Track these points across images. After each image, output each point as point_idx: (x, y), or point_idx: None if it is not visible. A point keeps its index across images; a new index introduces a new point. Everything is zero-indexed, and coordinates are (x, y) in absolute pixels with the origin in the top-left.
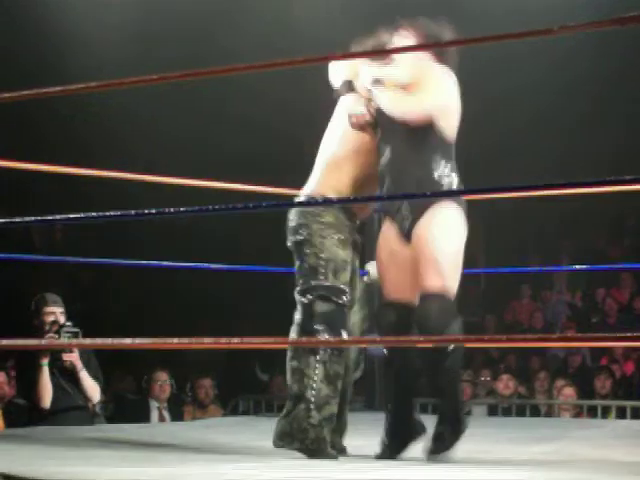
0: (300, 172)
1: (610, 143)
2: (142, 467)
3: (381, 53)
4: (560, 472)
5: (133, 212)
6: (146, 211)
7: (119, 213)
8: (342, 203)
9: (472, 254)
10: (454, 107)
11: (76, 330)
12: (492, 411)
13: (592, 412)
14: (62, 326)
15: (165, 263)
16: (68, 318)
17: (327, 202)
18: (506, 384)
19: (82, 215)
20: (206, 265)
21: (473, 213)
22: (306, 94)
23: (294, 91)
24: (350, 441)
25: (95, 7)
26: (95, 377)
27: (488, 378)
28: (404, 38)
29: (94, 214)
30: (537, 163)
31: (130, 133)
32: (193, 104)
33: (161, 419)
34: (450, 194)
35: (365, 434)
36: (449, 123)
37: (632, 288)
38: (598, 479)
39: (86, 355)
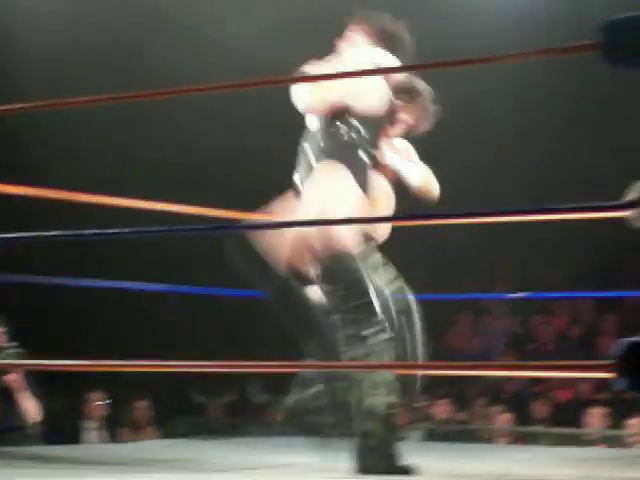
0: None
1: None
2: None
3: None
4: None
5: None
6: (95, 231)
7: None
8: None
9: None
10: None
11: (18, 350)
12: (428, 437)
13: (528, 439)
14: (2, 348)
15: (92, 283)
16: (11, 338)
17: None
18: (443, 409)
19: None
20: (141, 286)
21: (415, 240)
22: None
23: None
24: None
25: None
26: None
27: (426, 403)
28: (354, 34)
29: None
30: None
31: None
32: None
33: (96, 440)
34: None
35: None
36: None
37: (569, 316)
38: None
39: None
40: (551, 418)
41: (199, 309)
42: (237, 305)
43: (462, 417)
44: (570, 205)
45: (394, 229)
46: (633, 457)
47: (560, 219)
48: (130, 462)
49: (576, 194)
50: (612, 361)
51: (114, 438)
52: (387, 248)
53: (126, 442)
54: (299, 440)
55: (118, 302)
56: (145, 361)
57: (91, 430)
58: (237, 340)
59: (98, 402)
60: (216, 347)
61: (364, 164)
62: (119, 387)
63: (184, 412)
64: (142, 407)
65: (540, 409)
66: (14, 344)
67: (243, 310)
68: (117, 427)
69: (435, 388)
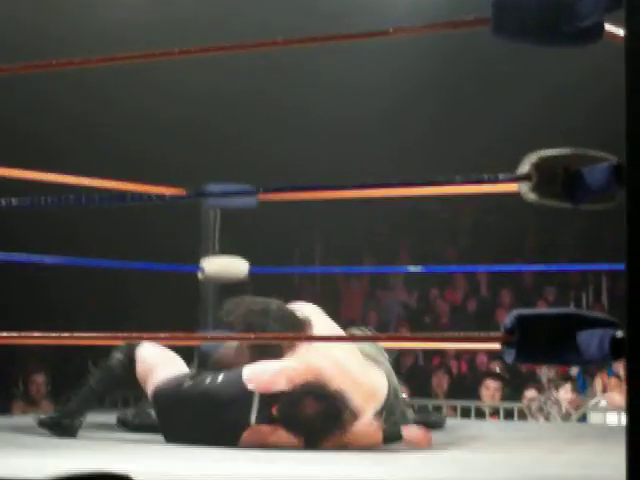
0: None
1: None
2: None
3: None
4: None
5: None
6: None
7: None
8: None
9: (308, 254)
10: None
11: None
12: None
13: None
14: None
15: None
16: None
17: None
18: None
19: None
20: (40, 258)
21: (306, 214)
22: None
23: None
24: None
25: None
26: None
27: None
28: None
29: None
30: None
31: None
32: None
33: None
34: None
35: None
36: None
37: (465, 289)
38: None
39: None
40: (449, 391)
41: (97, 282)
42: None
43: None
44: (464, 178)
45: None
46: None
47: (454, 192)
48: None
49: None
50: (501, 333)
51: (6, 411)
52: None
53: (17, 415)
54: None
55: (16, 274)
56: (39, 332)
57: None
58: (134, 312)
59: (39, 383)
60: (112, 319)
61: None
62: (16, 360)
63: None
64: (39, 382)
65: (438, 382)
66: None
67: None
68: (11, 400)
69: None
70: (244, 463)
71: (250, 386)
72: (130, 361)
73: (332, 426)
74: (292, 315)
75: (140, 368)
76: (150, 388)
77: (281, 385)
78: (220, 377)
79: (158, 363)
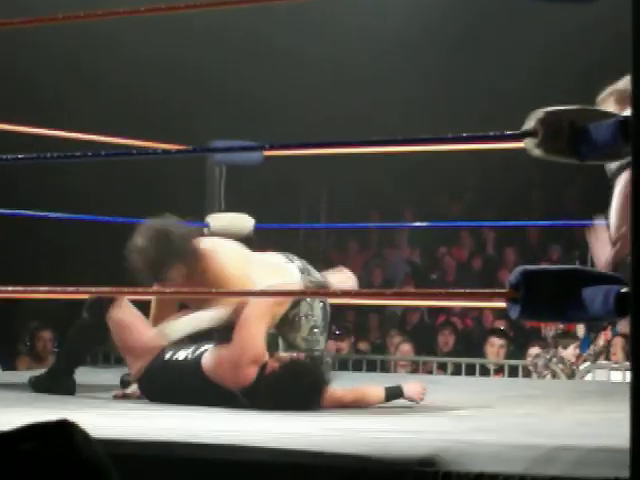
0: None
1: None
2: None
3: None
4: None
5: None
6: None
7: None
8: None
9: (313, 210)
10: None
11: None
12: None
13: (428, 368)
14: None
15: None
16: None
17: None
18: (339, 345)
19: None
20: (45, 214)
21: (311, 170)
22: None
23: None
24: None
25: None
26: None
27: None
28: None
29: None
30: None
31: None
32: None
33: None
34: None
35: None
36: None
37: (471, 247)
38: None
39: None
40: (454, 348)
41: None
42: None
43: (363, 347)
44: (470, 135)
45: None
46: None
47: (460, 149)
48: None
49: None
50: (507, 290)
51: (10, 367)
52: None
53: (22, 371)
54: None
55: (24, 229)
56: (44, 286)
57: None
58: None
59: (46, 339)
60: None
61: None
62: (22, 316)
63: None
64: (45, 338)
65: (444, 339)
66: None
67: None
68: (16, 356)
69: (336, 319)
70: (243, 419)
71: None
72: (98, 318)
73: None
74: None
75: (116, 332)
76: (133, 367)
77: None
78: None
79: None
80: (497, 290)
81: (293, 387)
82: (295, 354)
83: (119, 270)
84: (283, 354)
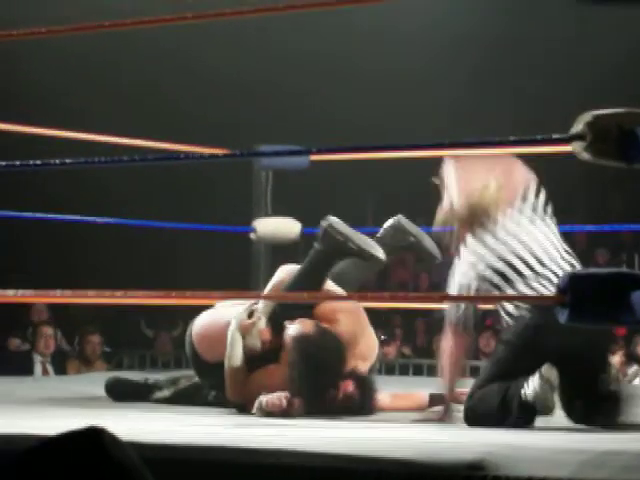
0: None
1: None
2: (28, 419)
3: None
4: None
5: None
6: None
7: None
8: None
9: (361, 214)
10: None
11: None
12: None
13: (475, 373)
14: None
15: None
16: None
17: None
18: (386, 350)
19: None
20: (93, 219)
21: (358, 175)
22: None
23: None
24: None
25: None
26: None
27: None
28: None
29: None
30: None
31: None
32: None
33: (44, 373)
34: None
35: None
36: None
37: None
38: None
39: None
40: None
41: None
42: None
43: (408, 352)
44: (517, 138)
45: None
46: None
47: (506, 153)
48: (78, 396)
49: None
50: (555, 294)
51: (61, 371)
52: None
53: (73, 375)
54: None
55: (70, 235)
56: (94, 291)
57: (39, 363)
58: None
59: (48, 335)
60: (164, 282)
61: None
62: (70, 320)
63: (132, 345)
64: (95, 342)
65: (486, 342)
66: None
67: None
68: (66, 360)
69: (383, 324)
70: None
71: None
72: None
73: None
74: None
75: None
76: None
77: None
78: None
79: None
80: (545, 294)
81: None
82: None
83: (164, 274)
84: None
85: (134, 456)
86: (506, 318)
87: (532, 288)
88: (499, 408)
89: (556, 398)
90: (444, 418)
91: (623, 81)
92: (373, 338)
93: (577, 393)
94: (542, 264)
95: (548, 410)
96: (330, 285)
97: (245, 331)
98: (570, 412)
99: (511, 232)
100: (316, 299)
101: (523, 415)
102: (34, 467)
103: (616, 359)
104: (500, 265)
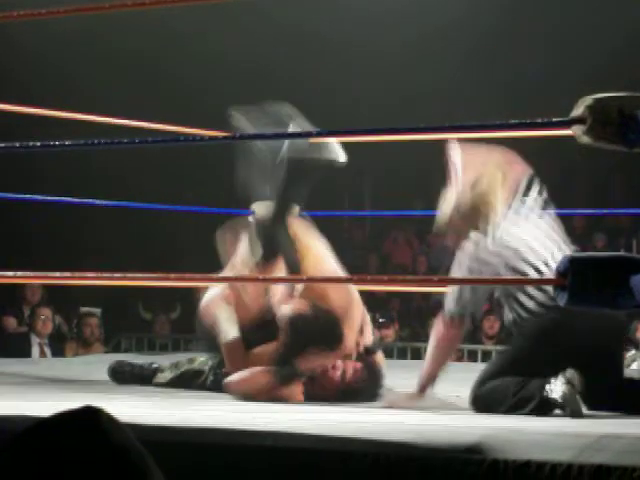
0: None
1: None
2: (26, 400)
3: None
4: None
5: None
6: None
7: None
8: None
9: (359, 197)
10: None
11: None
12: None
13: (473, 356)
14: None
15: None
16: None
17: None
18: (384, 333)
19: None
20: (90, 201)
21: (358, 158)
22: None
23: None
24: None
25: None
26: None
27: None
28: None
29: None
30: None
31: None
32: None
33: (42, 354)
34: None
35: None
36: None
37: None
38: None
39: None
40: (498, 336)
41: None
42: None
43: (405, 334)
44: (516, 122)
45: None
46: None
47: (505, 136)
48: (75, 377)
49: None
50: (555, 276)
51: (59, 353)
52: None
53: (71, 357)
54: None
55: (67, 216)
56: (92, 273)
57: (37, 345)
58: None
59: (46, 317)
60: (162, 262)
61: None
62: (70, 302)
63: (130, 328)
64: (92, 324)
65: (490, 326)
66: None
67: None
68: (64, 342)
69: (382, 306)
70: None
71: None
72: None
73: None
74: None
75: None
76: None
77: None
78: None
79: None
80: (544, 277)
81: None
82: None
83: (164, 257)
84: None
85: (131, 436)
86: (523, 314)
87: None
88: (514, 403)
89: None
90: (413, 405)
91: (623, 65)
92: (364, 311)
93: (594, 389)
94: (546, 264)
95: (577, 414)
96: (327, 261)
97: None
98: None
99: (512, 231)
100: (316, 281)
101: (541, 414)
102: (31, 447)
103: None
104: (503, 271)
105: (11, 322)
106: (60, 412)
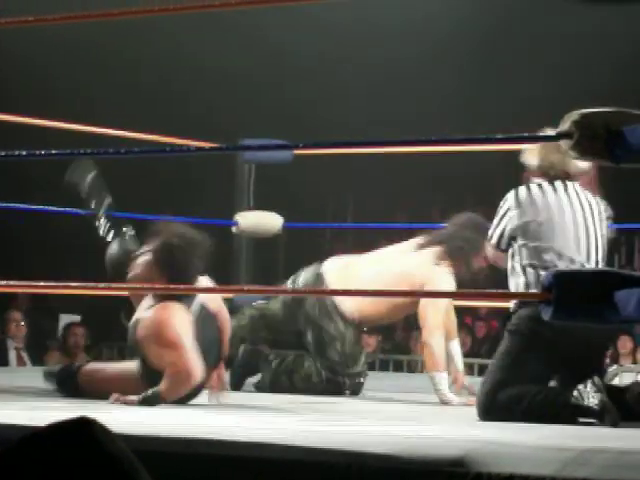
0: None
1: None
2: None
3: None
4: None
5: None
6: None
7: None
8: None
9: (341, 211)
10: None
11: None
12: None
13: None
14: None
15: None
16: None
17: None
18: (367, 342)
19: None
20: (74, 210)
21: (343, 170)
22: None
23: None
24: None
25: None
26: None
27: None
28: None
29: None
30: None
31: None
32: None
33: (20, 361)
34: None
35: None
36: None
37: None
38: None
39: None
40: (474, 350)
41: None
42: None
43: (387, 347)
44: (504, 136)
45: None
46: None
47: (493, 149)
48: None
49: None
50: (541, 291)
51: (39, 361)
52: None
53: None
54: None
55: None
56: (76, 282)
57: (14, 350)
58: None
59: (18, 321)
60: None
61: None
62: (49, 309)
63: (111, 337)
64: (78, 334)
65: (463, 341)
66: None
67: None
68: (46, 351)
69: None
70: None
71: None
72: None
73: None
74: None
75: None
76: None
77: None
78: None
79: None
80: (530, 292)
81: None
82: None
83: None
84: None
85: (125, 447)
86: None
87: None
88: (538, 410)
89: None
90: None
91: (626, 74)
92: None
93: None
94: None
95: (616, 423)
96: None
97: None
98: None
99: None
100: (308, 293)
101: (570, 422)
102: (24, 457)
103: None
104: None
105: None
106: (54, 423)
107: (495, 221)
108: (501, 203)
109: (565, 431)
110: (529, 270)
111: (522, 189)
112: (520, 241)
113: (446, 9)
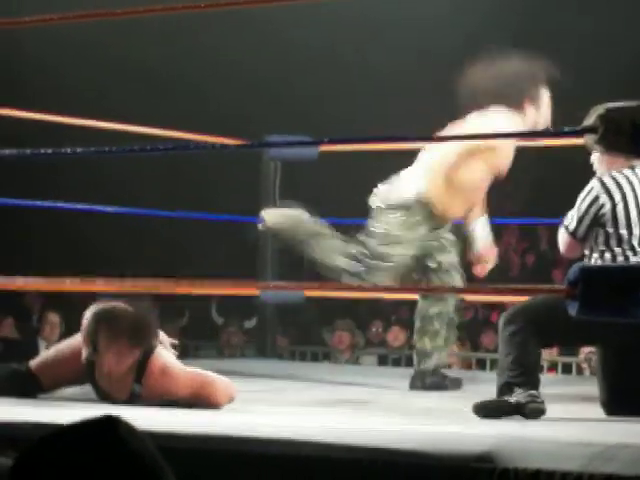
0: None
1: None
2: (36, 407)
3: None
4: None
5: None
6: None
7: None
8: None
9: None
10: None
11: None
12: (382, 361)
13: (480, 365)
14: None
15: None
16: None
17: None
18: (396, 336)
19: None
20: (102, 208)
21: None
22: None
23: None
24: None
25: None
26: None
27: (380, 329)
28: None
29: None
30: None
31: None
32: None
33: None
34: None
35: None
36: None
37: (524, 243)
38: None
39: None
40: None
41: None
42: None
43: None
44: (528, 130)
45: None
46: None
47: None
48: None
49: None
50: (565, 286)
51: None
52: None
53: None
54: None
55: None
56: (100, 279)
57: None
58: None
59: (54, 323)
60: (167, 268)
61: None
62: (75, 309)
63: None
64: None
65: (489, 339)
66: None
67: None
68: None
69: (389, 313)
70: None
71: None
72: None
73: None
74: None
75: None
76: None
77: None
78: None
79: None
80: (556, 286)
81: None
82: None
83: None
84: None
85: (150, 445)
86: None
87: None
88: None
89: None
90: None
91: None
92: None
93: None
94: None
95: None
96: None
97: None
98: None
99: None
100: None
101: None
102: (49, 455)
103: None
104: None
105: (9, 326)
106: (79, 421)
107: (577, 209)
108: (584, 190)
109: (591, 426)
110: (618, 257)
111: (607, 177)
112: (609, 228)
113: (456, 8)
